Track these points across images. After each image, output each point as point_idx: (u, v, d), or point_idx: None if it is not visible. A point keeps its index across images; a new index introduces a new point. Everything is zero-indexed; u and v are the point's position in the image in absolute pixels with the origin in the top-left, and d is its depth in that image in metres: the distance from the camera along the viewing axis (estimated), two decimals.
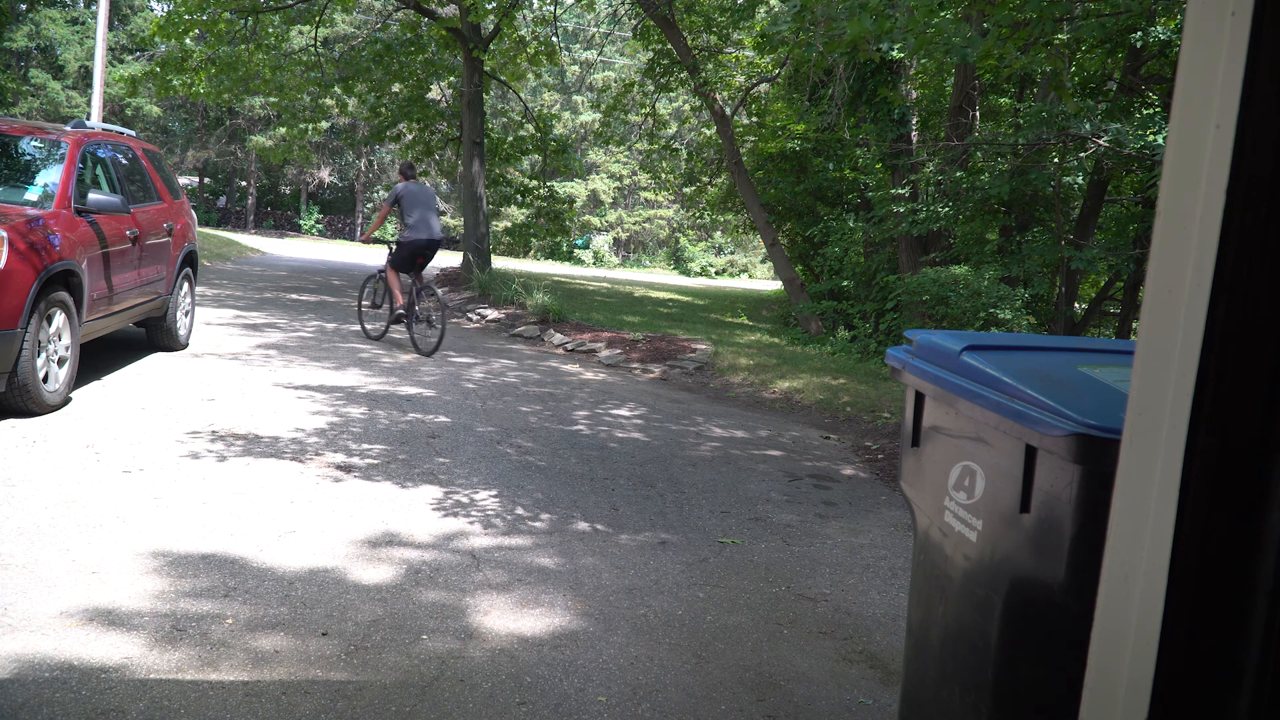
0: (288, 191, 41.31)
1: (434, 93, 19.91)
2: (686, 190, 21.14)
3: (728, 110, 15.09)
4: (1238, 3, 0.96)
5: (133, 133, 8.07)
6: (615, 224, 42.54)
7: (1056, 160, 10.13)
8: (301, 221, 38.55)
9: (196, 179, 38.37)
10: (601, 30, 26.92)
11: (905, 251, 12.19)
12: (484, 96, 16.93)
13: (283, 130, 21.34)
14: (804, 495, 5.31)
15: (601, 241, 41.11)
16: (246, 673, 2.80)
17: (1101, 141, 8.97)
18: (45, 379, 5.39)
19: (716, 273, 37.95)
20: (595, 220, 41.36)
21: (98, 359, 7.06)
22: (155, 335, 7.83)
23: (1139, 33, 9.00)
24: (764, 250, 23.31)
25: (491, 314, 12.46)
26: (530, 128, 19.50)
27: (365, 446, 5.45)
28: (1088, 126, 8.93)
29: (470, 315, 12.69)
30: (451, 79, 18.04)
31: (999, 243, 11.47)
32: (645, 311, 14.98)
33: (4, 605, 3.06)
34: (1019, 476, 1.90)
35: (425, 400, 6.90)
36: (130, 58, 32.99)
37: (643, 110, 18.39)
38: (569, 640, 3.22)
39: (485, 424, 6.32)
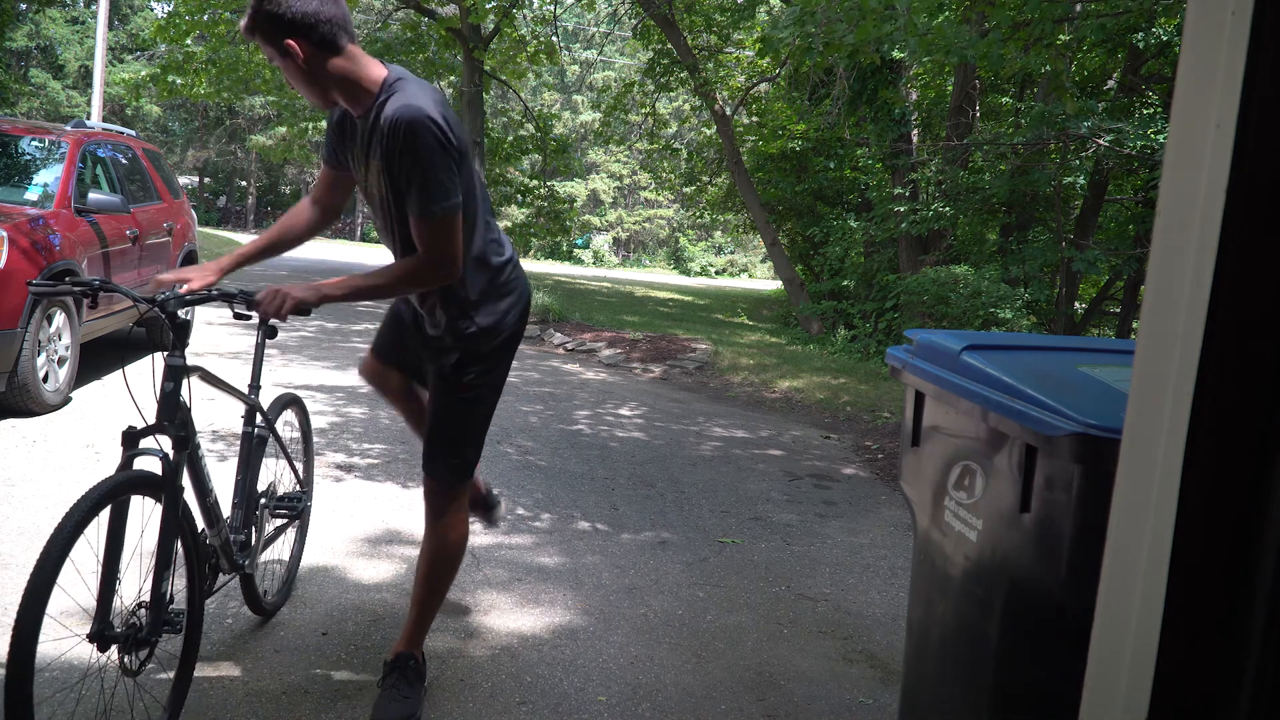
0: (288, 191, 41.31)
1: None
2: (686, 190, 21.14)
3: (728, 110, 15.09)
4: (1238, 3, 0.96)
5: (133, 132, 8.08)
6: (615, 224, 42.55)
7: (1056, 160, 10.13)
8: None
9: (196, 179, 38.37)
10: (601, 30, 26.90)
11: (905, 251, 12.19)
12: (484, 96, 16.92)
13: (283, 129, 21.33)
14: (804, 495, 5.31)
15: (601, 241, 41.12)
16: (247, 672, 2.80)
17: (1101, 141, 8.98)
18: (45, 379, 5.39)
19: (717, 272, 37.98)
20: (595, 220, 41.36)
21: (98, 359, 7.06)
22: (156, 335, 7.82)
23: (1139, 33, 9.01)
24: (764, 250, 23.29)
25: None
26: (530, 127, 19.50)
27: (366, 446, 5.45)
28: (1087, 126, 8.93)
29: None
30: (451, 79, 18.03)
31: (999, 243, 11.48)
32: (646, 311, 14.98)
33: (4, 605, 3.06)
34: (1019, 476, 1.90)
35: None
36: (130, 57, 33.00)
37: (643, 110, 18.39)
38: (569, 639, 3.22)
39: None
